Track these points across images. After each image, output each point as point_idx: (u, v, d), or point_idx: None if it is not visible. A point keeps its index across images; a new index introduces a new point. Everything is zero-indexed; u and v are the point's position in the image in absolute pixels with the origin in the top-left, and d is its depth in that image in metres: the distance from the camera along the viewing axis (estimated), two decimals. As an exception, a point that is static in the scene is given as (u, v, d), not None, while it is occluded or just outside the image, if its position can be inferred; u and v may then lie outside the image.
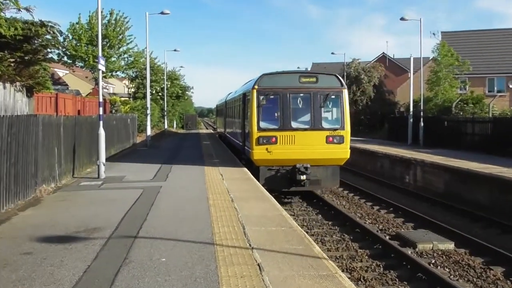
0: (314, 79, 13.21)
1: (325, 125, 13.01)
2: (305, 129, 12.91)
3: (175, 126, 47.51)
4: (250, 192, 9.67)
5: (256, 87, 13.08)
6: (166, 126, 38.38)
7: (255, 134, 12.88)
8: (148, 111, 24.55)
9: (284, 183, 13.08)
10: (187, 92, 48.96)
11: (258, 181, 12.12)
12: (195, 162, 15.30)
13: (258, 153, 12.89)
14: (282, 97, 12.99)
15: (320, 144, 12.89)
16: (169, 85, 40.80)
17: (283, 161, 12.94)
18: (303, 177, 12.76)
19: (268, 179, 13.04)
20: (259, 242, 5.76)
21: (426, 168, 16.32)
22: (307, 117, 13.12)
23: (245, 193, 9.48)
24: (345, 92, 13.18)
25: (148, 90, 25.26)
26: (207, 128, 64.25)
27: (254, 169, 13.18)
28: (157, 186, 10.30)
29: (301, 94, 13.11)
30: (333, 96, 13.12)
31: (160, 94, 39.53)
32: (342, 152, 13.00)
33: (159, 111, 37.79)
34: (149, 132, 24.12)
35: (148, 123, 24.27)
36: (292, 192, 13.74)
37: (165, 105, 38.42)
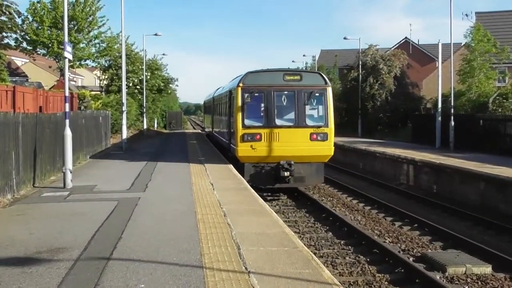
0: (298, 77, 16.19)
1: (309, 122, 15.85)
2: (289, 127, 15.75)
3: (156, 125, 47.58)
4: (246, 204, 9.71)
5: (241, 84, 15.91)
6: (145, 126, 38.46)
7: (240, 131, 15.70)
8: (124, 108, 24.55)
9: (269, 179, 15.87)
10: (170, 85, 48.91)
11: (243, 177, 14.56)
12: (180, 169, 15.43)
13: (243, 150, 15.67)
14: (267, 95, 15.88)
15: (304, 141, 15.74)
16: (148, 77, 40.87)
17: (267, 157, 15.74)
18: (287, 173, 15.55)
19: (253, 176, 15.81)
20: (257, 265, 5.79)
21: (457, 176, 16.39)
22: (291, 115, 15.97)
23: (240, 205, 9.54)
24: (329, 90, 16.18)
25: (124, 83, 25.30)
26: (194, 128, 64.36)
27: (239, 166, 15.87)
28: (135, 198, 10.34)
29: (286, 92, 15.96)
30: (317, 94, 15.99)
31: (138, 87, 39.58)
32: (326, 149, 15.89)
33: (137, 107, 37.83)
34: (125, 133, 24.18)
35: (124, 122, 24.29)
36: (279, 189, 16.68)
37: (144, 101, 38.48)
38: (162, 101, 49.87)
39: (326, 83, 16.39)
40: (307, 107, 16.32)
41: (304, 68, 54.02)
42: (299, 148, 15.89)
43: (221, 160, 17.69)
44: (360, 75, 37.45)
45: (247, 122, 15.94)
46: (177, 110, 68.65)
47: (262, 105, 16.16)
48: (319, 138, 16.05)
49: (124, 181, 12.85)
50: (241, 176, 13.78)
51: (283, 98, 16.40)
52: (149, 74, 41.11)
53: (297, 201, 15.82)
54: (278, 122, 16.06)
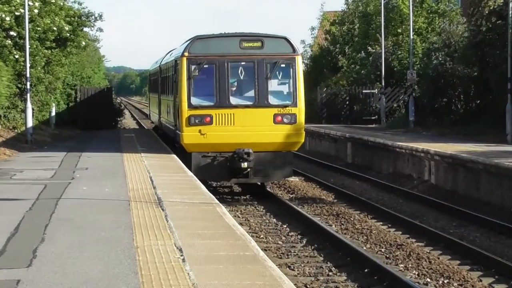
0: (259, 44, 25.74)
1: (272, 101, 25.64)
2: (247, 106, 25.55)
3: (53, 118, 47.57)
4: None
5: (186, 54, 25.39)
6: (29, 122, 38.03)
7: (185, 112, 25.23)
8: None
9: (223, 173, 25.57)
10: (85, 31, 48.67)
11: (190, 170, 23.54)
12: (107, 214, 15.64)
13: (189, 135, 25.37)
14: (219, 67, 25.36)
15: (266, 124, 25.26)
16: (37, 11, 40.79)
17: (220, 145, 25.30)
18: (245, 164, 24.76)
19: (203, 169, 25.18)
20: None
21: None
22: (250, 92, 25.81)
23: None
24: (298, 60, 26.14)
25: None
26: (140, 124, 64.57)
27: (187, 157, 25.50)
28: (8, 282, 10.29)
29: (243, 63, 25.67)
30: (282, 65, 25.71)
31: (13, 33, 39.59)
32: (294, 134, 25.69)
33: (10, 79, 37.73)
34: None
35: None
36: (239, 187, 26.89)
37: (27, 64, 38.29)
38: (69, 64, 49.79)
39: (294, 50, 25.94)
40: (270, 81, 25.67)
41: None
42: (260, 133, 25.17)
43: (195, 189, 18.65)
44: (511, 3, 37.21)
45: (194, 101, 25.35)
46: (101, 83, 68.51)
47: (213, 79, 25.33)
48: (285, 120, 25.42)
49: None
50: (244, 233, 14.02)
51: (239, 71, 25.62)
52: (37, 4, 41.07)
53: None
54: (233, 100, 25.51)
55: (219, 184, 29.86)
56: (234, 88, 26.05)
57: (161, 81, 37.67)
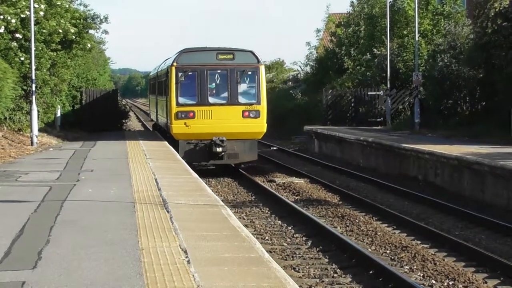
0: (231, 56, 34.36)
1: (241, 100, 34.25)
2: (222, 104, 34.12)
3: (59, 120, 47.48)
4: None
5: (175, 64, 33.96)
6: (35, 124, 37.94)
7: (174, 109, 33.80)
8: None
9: (203, 156, 33.93)
10: (90, 33, 48.55)
11: (178, 153, 32.00)
12: (110, 217, 15.52)
13: (177, 127, 33.97)
14: (200, 74, 33.80)
15: (236, 118, 33.80)
16: (42, 13, 40.73)
17: (200, 134, 33.71)
18: (219, 149, 33.10)
19: (188, 153, 33.50)
20: None
21: None
22: (224, 93, 34.37)
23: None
24: (262, 68, 34.87)
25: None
26: (144, 126, 64.10)
27: (175, 144, 34.06)
28: (14, 284, 10.28)
29: (219, 71, 34.17)
30: (249, 72, 34.30)
31: (19, 36, 39.54)
32: (258, 126, 34.33)
33: (16, 81, 37.64)
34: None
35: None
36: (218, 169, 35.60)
37: (33, 66, 38.29)
38: (74, 66, 49.61)
39: (258, 61, 34.76)
40: (240, 85, 34.10)
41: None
42: (231, 125, 33.52)
43: (200, 190, 18.59)
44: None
45: (181, 100, 33.85)
46: (106, 86, 68.27)
47: (196, 83, 33.61)
48: (251, 115, 33.80)
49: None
50: (249, 235, 14.11)
51: (216, 77, 33.99)
52: (43, 6, 41.01)
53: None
54: (211, 100, 34.10)
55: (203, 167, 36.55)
56: (213, 90, 34.44)
57: (158, 85, 44.91)
